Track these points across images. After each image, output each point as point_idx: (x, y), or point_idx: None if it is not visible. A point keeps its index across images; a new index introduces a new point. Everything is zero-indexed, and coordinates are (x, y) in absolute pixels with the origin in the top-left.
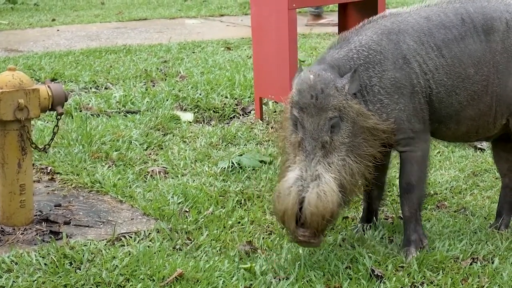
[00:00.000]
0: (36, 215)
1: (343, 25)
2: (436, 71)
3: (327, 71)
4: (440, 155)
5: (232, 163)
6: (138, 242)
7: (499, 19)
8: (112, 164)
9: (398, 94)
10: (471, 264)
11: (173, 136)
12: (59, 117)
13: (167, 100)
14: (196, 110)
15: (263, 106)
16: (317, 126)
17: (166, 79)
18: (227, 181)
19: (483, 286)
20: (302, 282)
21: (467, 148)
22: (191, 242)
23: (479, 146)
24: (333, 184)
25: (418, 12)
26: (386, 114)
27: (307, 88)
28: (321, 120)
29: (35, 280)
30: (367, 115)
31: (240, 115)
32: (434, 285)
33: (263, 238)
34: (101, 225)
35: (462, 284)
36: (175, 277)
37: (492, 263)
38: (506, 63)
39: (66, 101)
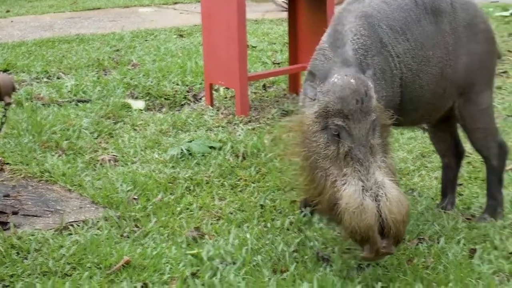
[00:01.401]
0: None
1: (292, 9)
2: (404, 55)
3: (358, 72)
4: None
5: (182, 149)
6: (86, 230)
7: (444, 0)
8: (62, 153)
9: (384, 79)
10: (417, 244)
11: (124, 124)
12: (7, 107)
13: (119, 88)
14: (147, 97)
15: (214, 92)
16: (365, 132)
17: (118, 68)
18: (176, 168)
19: (429, 266)
20: (249, 267)
21: (415, 130)
22: (139, 230)
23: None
24: (396, 187)
25: None
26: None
27: (351, 93)
28: (367, 124)
29: None
30: (383, 112)
31: (191, 102)
32: (380, 266)
33: (211, 223)
34: (49, 215)
35: (408, 265)
36: (122, 264)
37: (438, 243)
38: (454, 45)
39: (14, 91)
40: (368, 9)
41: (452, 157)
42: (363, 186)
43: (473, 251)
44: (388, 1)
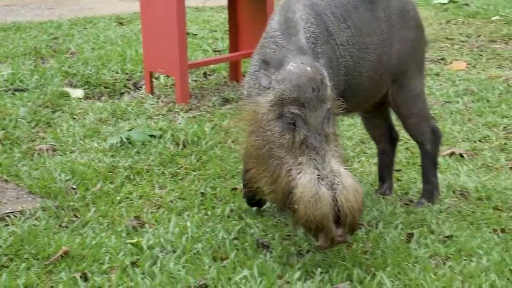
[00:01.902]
0: None
1: None
2: (347, 42)
3: (314, 61)
4: None
5: (122, 138)
6: (23, 221)
7: None
8: None
9: (331, 68)
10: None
11: (63, 113)
12: None
13: (57, 77)
14: (86, 86)
15: (154, 80)
16: (321, 120)
17: (56, 56)
18: (116, 157)
19: (367, 251)
20: (189, 255)
21: (355, 117)
22: (78, 219)
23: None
24: (352, 175)
25: None
26: None
27: (308, 81)
28: (323, 112)
29: None
30: (335, 101)
31: (131, 90)
32: (319, 252)
33: (151, 212)
34: None
35: (347, 250)
36: (61, 255)
37: (377, 228)
38: (388, 32)
39: None
40: None
41: (387, 143)
42: (318, 175)
43: (410, 235)
44: None
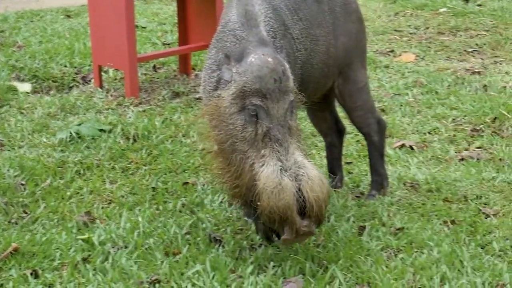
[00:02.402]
0: None
1: None
2: (300, 35)
3: (275, 52)
4: None
5: (71, 133)
6: None
7: None
8: None
9: (289, 62)
10: None
11: (10, 107)
12: None
13: (3, 71)
14: (34, 80)
15: (103, 74)
16: (284, 112)
17: (2, 50)
18: (65, 152)
19: (319, 244)
20: (141, 250)
21: (304, 110)
22: (28, 216)
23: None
24: (316, 167)
25: None
26: None
27: (269, 72)
28: (286, 104)
29: None
30: (296, 94)
31: (80, 84)
32: (272, 246)
33: (102, 207)
34: None
35: (299, 244)
36: (10, 252)
37: (328, 221)
38: (333, 24)
39: None
40: None
41: (334, 135)
42: (281, 166)
43: (362, 228)
44: None
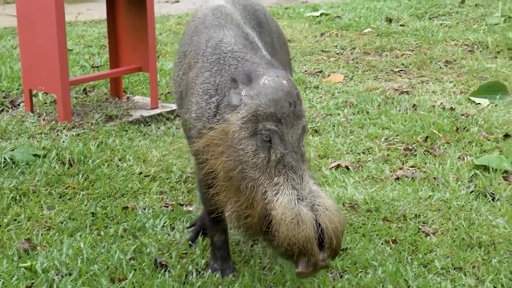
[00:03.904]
0: None
1: (111, 12)
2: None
3: (287, 74)
4: None
5: (5, 158)
6: None
7: (260, 11)
8: None
9: None
10: (252, 246)
11: None
12: None
13: None
14: None
15: (33, 98)
16: (297, 137)
17: None
18: (0, 178)
19: (265, 267)
20: (86, 277)
21: None
22: None
23: None
24: (329, 197)
25: (233, 3)
26: None
27: (284, 95)
28: (299, 129)
29: None
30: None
31: (9, 109)
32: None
33: (42, 234)
34: None
35: (245, 266)
36: None
37: None
38: (275, 56)
39: None
40: (237, 14)
41: None
42: (297, 195)
43: None
44: (235, 12)
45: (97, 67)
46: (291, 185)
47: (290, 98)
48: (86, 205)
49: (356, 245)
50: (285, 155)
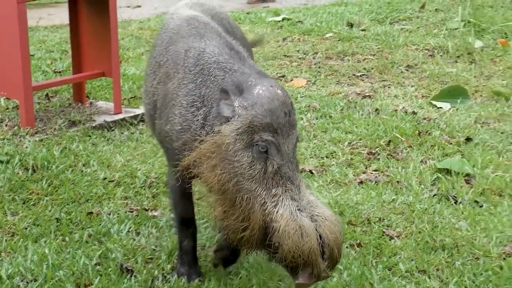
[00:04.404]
0: None
1: (74, 17)
2: None
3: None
4: None
5: None
6: None
7: (225, 21)
8: None
9: None
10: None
11: None
12: None
13: None
14: None
15: None
16: (292, 147)
17: None
18: None
19: (231, 271)
20: (52, 283)
21: None
22: None
23: None
24: (326, 206)
25: (202, 12)
26: None
27: (280, 105)
28: (293, 139)
29: None
30: None
31: None
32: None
33: (6, 240)
34: None
35: (211, 271)
36: None
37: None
38: None
39: None
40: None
41: None
42: (297, 206)
43: None
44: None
45: (60, 72)
46: (290, 196)
47: (285, 107)
48: (50, 211)
49: None
50: (281, 166)
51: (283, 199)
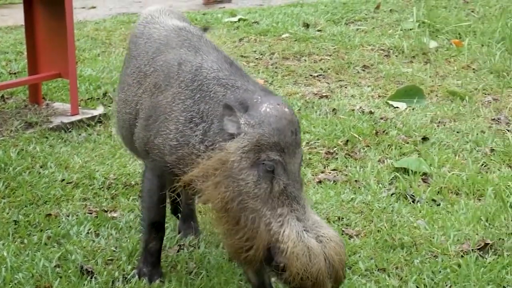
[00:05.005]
0: None
1: (29, 18)
2: None
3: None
4: None
5: None
6: None
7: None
8: None
9: None
10: (178, 251)
11: None
12: None
13: None
14: None
15: None
16: (298, 166)
17: None
18: None
19: (192, 272)
20: (11, 286)
21: None
22: None
23: None
24: (330, 226)
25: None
26: None
27: (288, 124)
28: (299, 158)
29: None
30: None
31: None
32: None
33: None
34: None
35: (172, 272)
36: None
37: (199, 248)
38: None
39: None
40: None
41: None
42: (304, 227)
43: None
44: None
45: (15, 73)
46: (296, 216)
47: (292, 126)
48: (8, 213)
49: None
50: (287, 185)
51: (289, 219)
